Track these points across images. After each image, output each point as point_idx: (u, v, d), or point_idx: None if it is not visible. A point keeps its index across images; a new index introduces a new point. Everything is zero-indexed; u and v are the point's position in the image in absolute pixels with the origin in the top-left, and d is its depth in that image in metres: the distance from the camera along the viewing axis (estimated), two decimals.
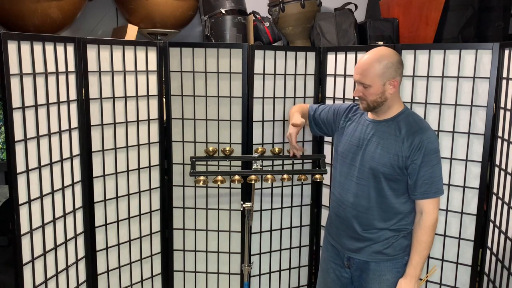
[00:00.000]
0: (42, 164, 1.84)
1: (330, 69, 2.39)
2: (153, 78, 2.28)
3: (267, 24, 2.70)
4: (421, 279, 1.83)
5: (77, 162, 2.04)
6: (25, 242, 1.79)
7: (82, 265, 2.13)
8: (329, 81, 2.41)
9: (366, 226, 1.78)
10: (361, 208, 1.78)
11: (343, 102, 2.33)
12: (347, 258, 1.85)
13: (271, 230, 2.49)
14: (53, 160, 1.90)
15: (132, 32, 2.58)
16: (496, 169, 2.02)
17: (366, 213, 1.77)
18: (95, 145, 2.10)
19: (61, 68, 1.91)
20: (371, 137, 1.77)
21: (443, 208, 2.17)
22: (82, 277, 2.14)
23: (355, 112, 1.90)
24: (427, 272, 2.24)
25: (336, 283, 1.91)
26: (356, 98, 1.82)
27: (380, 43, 2.47)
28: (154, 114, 2.30)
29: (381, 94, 1.70)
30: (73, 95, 1.99)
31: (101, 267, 2.21)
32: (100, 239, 2.18)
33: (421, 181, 1.69)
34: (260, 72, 2.31)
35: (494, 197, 2.04)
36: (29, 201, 1.80)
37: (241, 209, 2.33)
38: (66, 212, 2.00)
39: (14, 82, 1.70)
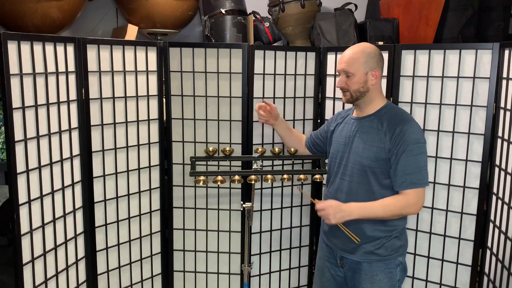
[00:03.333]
0: (42, 164, 1.84)
1: (330, 69, 2.39)
2: (153, 78, 2.28)
3: (267, 24, 2.70)
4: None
5: (77, 162, 2.04)
6: (25, 242, 1.79)
7: (82, 265, 2.13)
8: (329, 81, 2.41)
9: (357, 224, 1.78)
10: None
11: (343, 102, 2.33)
12: (340, 258, 1.86)
13: (271, 230, 2.49)
14: (53, 160, 1.90)
15: (132, 32, 2.59)
16: (496, 169, 2.02)
17: None
18: (95, 145, 2.10)
19: (61, 68, 1.91)
20: (355, 133, 1.82)
21: (443, 208, 2.17)
22: (82, 277, 2.14)
23: (344, 115, 1.97)
24: (426, 271, 2.24)
25: (331, 282, 1.92)
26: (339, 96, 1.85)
27: (380, 43, 2.47)
28: (154, 114, 2.30)
29: (363, 84, 1.76)
30: (73, 95, 1.99)
31: (101, 267, 2.21)
32: (100, 239, 2.18)
33: (401, 171, 1.69)
34: (260, 72, 2.31)
35: (494, 197, 2.03)
36: (29, 201, 1.80)
37: (241, 209, 2.33)
38: (66, 212, 2.00)
39: (14, 82, 1.70)
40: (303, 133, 2.42)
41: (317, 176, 2.20)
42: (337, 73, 1.84)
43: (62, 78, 1.92)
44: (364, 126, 1.81)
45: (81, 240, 2.11)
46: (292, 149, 2.25)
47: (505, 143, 1.94)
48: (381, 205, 1.72)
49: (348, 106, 2.11)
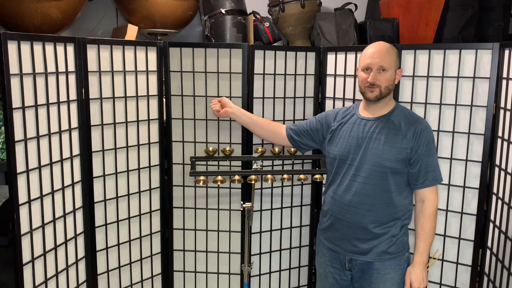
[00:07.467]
0: (42, 164, 1.84)
1: (330, 69, 2.39)
2: (153, 78, 2.28)
3: (267, 24, 2.70)
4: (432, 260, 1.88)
5: (77, 162, 2.04)
6: (25, 242, 1.79)
7: (82, 265, 2.13)
8: (329, 81, 2.41)
9: (372, 225, 1.79)
10: (366, 206, 1.79)
11: (343, 102, 2.33)
12: (349, 261, 1.85)
13: (271, 230, 2.49)
14: (53, 160, 1.90)
15: (132, 32, 2.59)
16: (496, 169, 2.02)
17: (371, 211, 1.78)
18: (95, 145, 2.10)
19: (61, 68, 1.91)
20: (371, 134, 1.79)
21: (443, 208, 2.17)
22: (82, 277, 2.14)
23: (345, 114, 1.94)
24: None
25: (335, 287, 1.91)
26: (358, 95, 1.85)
27: None
28: (154, 114, 2.30)
29: (392, 82, 1.78)
30: (73, 95, 1.99)
31: (101, 267, 2.21)
32: (100, 239, 2.18)
33: (424, 170, 1.75)
34: (260, 72, 2.31)
35: (494, 197, 2.04)
36: (29, 201, 1.80)
37: (241, 209, 2.33)
38: (66, 212, 2.00)
39: (14, 82, 1.70)
40: None
41: (317, 176, 2.20)
42: (366, 68, 1.79)
43: (62, 78, 1.92)
44: (380, 127, 1.79)
45: (81, 240, 2.11)
46: (292, 149, 2.25)
47: (505, 143, 1.94)
48: (423, 230, 1.78)
49: (347, 105, 2.11)
